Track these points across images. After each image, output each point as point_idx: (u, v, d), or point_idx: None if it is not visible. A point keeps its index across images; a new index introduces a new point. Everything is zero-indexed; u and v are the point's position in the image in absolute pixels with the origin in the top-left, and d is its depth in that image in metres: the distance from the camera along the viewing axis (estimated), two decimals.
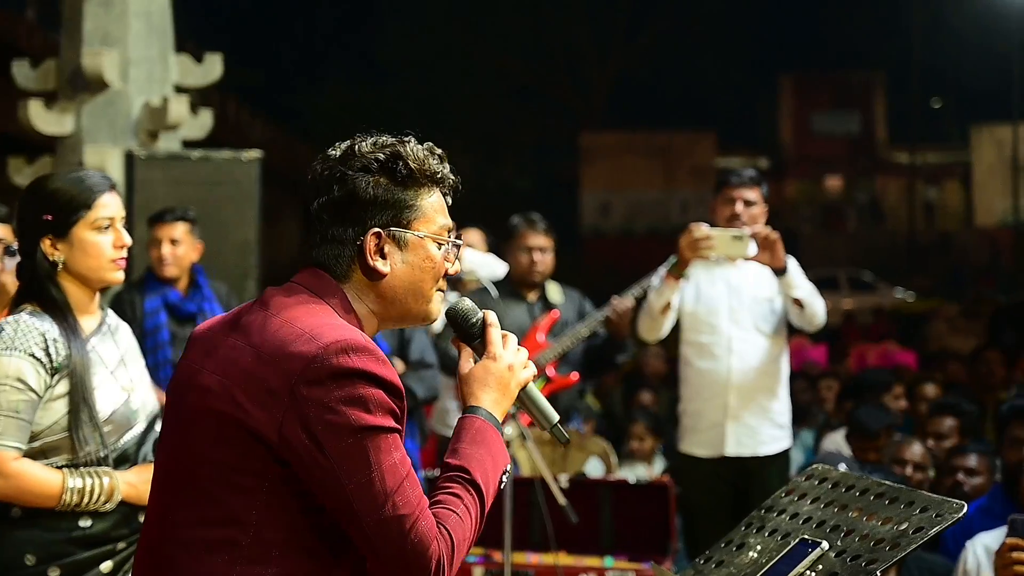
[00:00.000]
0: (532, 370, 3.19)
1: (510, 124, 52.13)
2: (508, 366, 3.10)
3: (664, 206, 51.61)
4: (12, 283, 5.57)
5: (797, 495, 3.91)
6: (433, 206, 3.06)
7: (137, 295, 7.18)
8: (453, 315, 3.16)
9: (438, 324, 7.66)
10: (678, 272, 6.95)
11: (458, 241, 3.11)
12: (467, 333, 3.17)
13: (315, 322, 2.91)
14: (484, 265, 8.07)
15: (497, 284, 7.77)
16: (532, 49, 52.49)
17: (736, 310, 7.08)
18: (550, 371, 7.65)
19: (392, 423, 2.87)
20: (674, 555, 6.94)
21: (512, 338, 3.15)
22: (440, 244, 3.05)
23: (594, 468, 7.58)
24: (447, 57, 51.48)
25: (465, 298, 3.22)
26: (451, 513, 2.93)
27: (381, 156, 3.02)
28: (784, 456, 7.22)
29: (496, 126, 51.75)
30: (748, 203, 7.07)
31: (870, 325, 26.76)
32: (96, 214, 4.43)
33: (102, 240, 4.42)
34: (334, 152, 3.08)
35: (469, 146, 50.73)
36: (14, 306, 4.45)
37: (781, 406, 7.17)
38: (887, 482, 3.97)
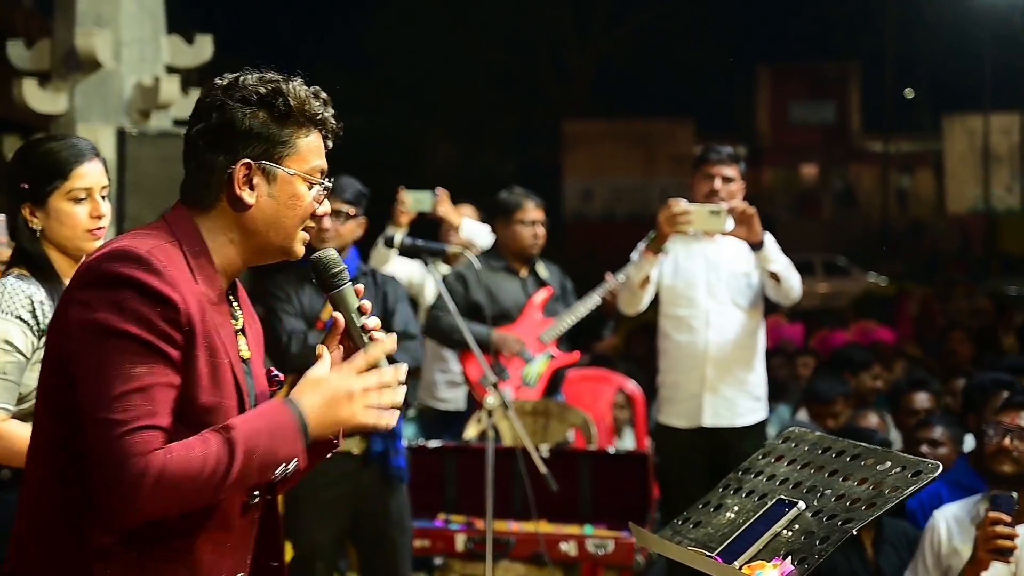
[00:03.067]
0: (385, 418, 2.94)
1: (493, 111, 52.08)
2: (349, 393, 2.85)
3: (644, 192, 51.59)
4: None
5: (774, 457, 3.90)
6: (309, 146, 3.02)
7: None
8: (316, 262, 3.10)
9: (430, 295, 7.67)
10: (656, 247, 6.95)
11: (328, 183, 3.07)
12: (327, 283, 3.11)
13: (120, 241, 2.91)
14: (480, 235, 8.07)
15: (489, 257, 7.76)
16: (514, 38, 52.44)
17: (714, 284, 7.10)
18: (553, 349, 7.69)
19: (144, 333, 2.74)
20: (652, 524, 6.94)
21: (384, 371, 2.92)
22: (311, 185, 3.02)
23: (572, 438, 7.58)
24: (431, 46, 51.40)
25: (331, 249, 3.15)
26: (184, 447, 2.70)
27: (263, 90, 2.98)
28: (760, 427, 7.24)
29: (479, 113, 51.72)
30: (727, 179, 7.08)
31: (845, 310, 26.86)
32: (72, 184, 4.46)
33: (77, 210, 4.46)
34: (220, 82, 3.04)
35: (452, 133, 50.91)
36: (6, 270, 4.47)
37: (757, 378, 7.18)
38: (863, 444, 3.98)
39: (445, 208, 8.14)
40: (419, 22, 51.67)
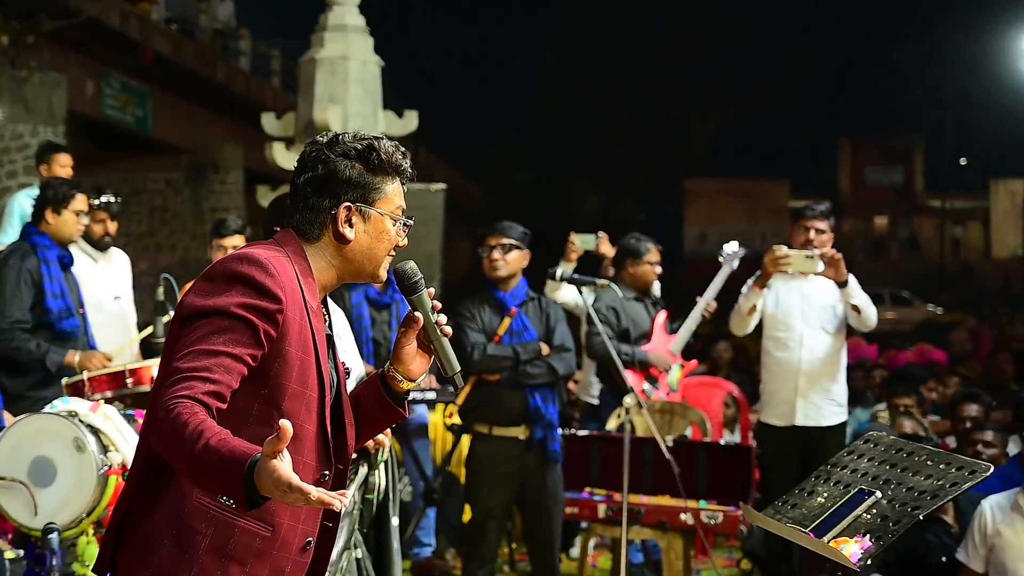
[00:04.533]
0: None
1: (630, 171, 52.16)
2: (282, 485, 2.35)
3: (748, 237, 50.97)
4: None
5: (857, 454, 3.86)
6: (394, 191, 2.96)
7: (345, 290, 7.23)
8: (397, 273, 3.02)
9: (567, 296, 7.69)
10: (762, 282, 6.90)
11: (409, 220, 2.99)
12: (407, 288, 3.03)
13: (245, 249, 2.89)
14: None
15: (623, 289, 7.79)
16: (648, 112, 52.40)
17: (807, 313, 7.02)
18: (679, 359, 7.71)
19: (249, 316, 2.70)
20: (753, 503, 6.87)
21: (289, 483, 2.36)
22: (395, 221, 2.96)
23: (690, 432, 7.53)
24: (581, 118, 51.50)
25: (409, 261, 3.06)
26: (191, 415, 2.54)
27: (359, 147, 2.92)
28: (841, 427, 7.14)
29: (618, 172, 51.80)
30: (819, 231, 7.02)
31: (909, 334, 26.39)
32: None
33: None
34: (322, 139, 2.99)
35: (597, 188, 50.94)
36: None
37: (840, 388, 7.09)
38: (928, 447, 3.92)
39: (605, 247, 8.18)
40: (572, 101, 51.81)
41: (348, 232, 2.91)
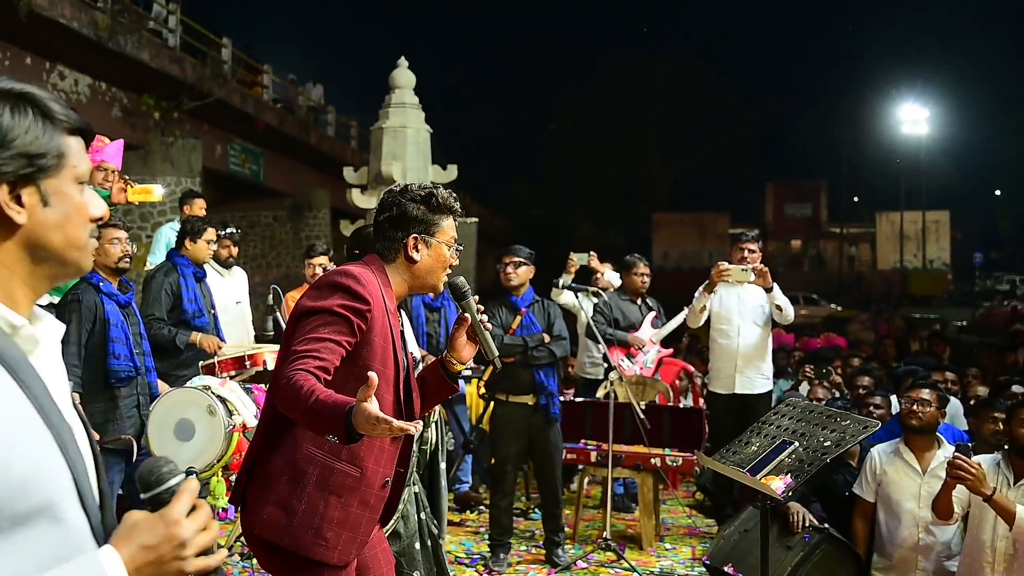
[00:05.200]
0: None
1: (613, 206, 52.39)
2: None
3: (698, 255, 51.15)
4: None
5: (780, 414, 3.83)
6: (449, 225, 2.98)
7: (408, 297, 7.19)
8: (451, 285, 3.03)
9: (583, 315, 7.65)
10: (710, 289, 6.86)
11: (460, 247, 3.01)
12: (459, 295, 3.03)
13: (344, 266, 2.92)
14: (614, 279, 8.13)
15: (620, 292, 7.82)
16: (625, 162, 52.75)
17: (742, 311, 6.97)
18: (658, 347, 7.71)
19: (346, 313, 2.74)
20: (704, 450, 6.83)
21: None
22: (449, 247, 2.97)
23: (659, 399, 7.50)
24: (577, 167, 51.94)
25: (460, 275, 3.08)
26: (308, 381, 2.57)
27: (423, 193, 2.95)
28: (768, 395, 7.08)
29: (605, 208, 51.91)
30: (751, 251, 6.97)
31: (817, 326, 26.26)
32: None
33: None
34: (395, 188, 3.02)
35: (589, 220, 50.92)
36: None
37: (767, 366, 7.04)
38: (832, 408, 3.89)
39: (595, 263, 8.17)
40: (570, 157, 52.20)
41: (415, 256, 2.93)
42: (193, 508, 1.42)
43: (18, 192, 1.43)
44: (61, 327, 1.57)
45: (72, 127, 1.49)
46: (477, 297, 3.06)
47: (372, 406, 2.38)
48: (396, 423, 2.38)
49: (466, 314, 3.03)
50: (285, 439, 2.82)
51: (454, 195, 3.03)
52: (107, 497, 1.52)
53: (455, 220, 3.02)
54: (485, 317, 3.05)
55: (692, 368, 9.46)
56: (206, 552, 1.42)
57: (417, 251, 2.93)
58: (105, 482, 1.52)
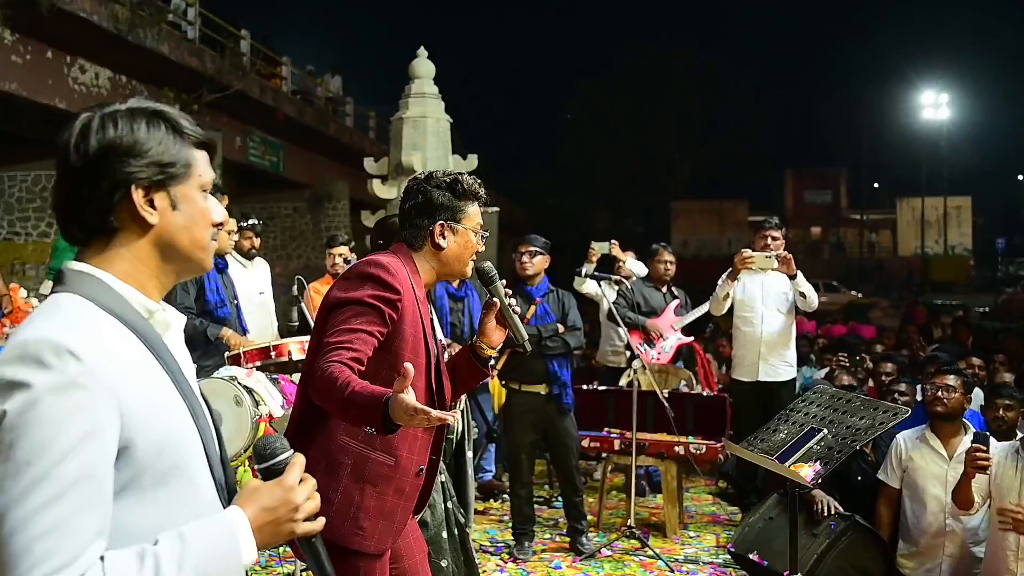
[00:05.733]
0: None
1: (632, 195, 52.17)
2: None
3: (718, 243, 50.97)
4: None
5: (808, 402, 3.82)
6: (475, 211, 2.98)
7: (432, 286, 7.18)
8: (479, 269, 3.03)
9: (605, 303, 7.64)
10: (733, 277, 6.83)
11: (485, 232, 3.00)
12: (487, 280, 3.04)
13: (373, 256, 2.91)
14: (637, 267, 8.11)
15: (645, 279, 7.83)
16: (645, 151, 52.50)
17: (765, 298, 6.94)
18: (679, 334, 7.68)
19: (377, 303, 2.74)
20: (728, 437, 6.83)
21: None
22: (475, 233, 2.97)
23: (683, 386, 7.49)
24: (595, 157, 51.60)
25: (487, 260, 3.07)
26: (343, 373, 2.58)
27: (448, 180, 2.96)
28: (792, 382, 7.05)
29: (623, 196, 51.72)
30: (774, 238, 6.94)
31: (838, 313, 26.17)
32: None
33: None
34: (420, 176, 3.02)
35: (608, 208, 50.70)
36: None
37: (791, 353, 7.01)
38: (860, 396, 3.87)
39: (616, 251, 8.16)
40: (588, 147, 51.94)
41: (442, 242, 2.93)
42: (301, 480, 1.62)
43: (151, 196, 1.62)
44: (182, 317, 1.76)
45: (198, 141, 1.69)
46: (504, 282, 3.06)
47: (409, 397, 2.37)
48: (434, 413, 2.37)
49: (494, 299, 3.02)
50: (319, 429, 2.83)
51: (479, 181, 3.03)
52: (227, 464, 1.73)
53: (480, 207, 3.02)
54: (513, 301, 3.05)
55: (722, 352, 9.42)
56: (311, 518, 1.62)
57: (444, 238, 2.93)
58: (224, 450, 1.74)
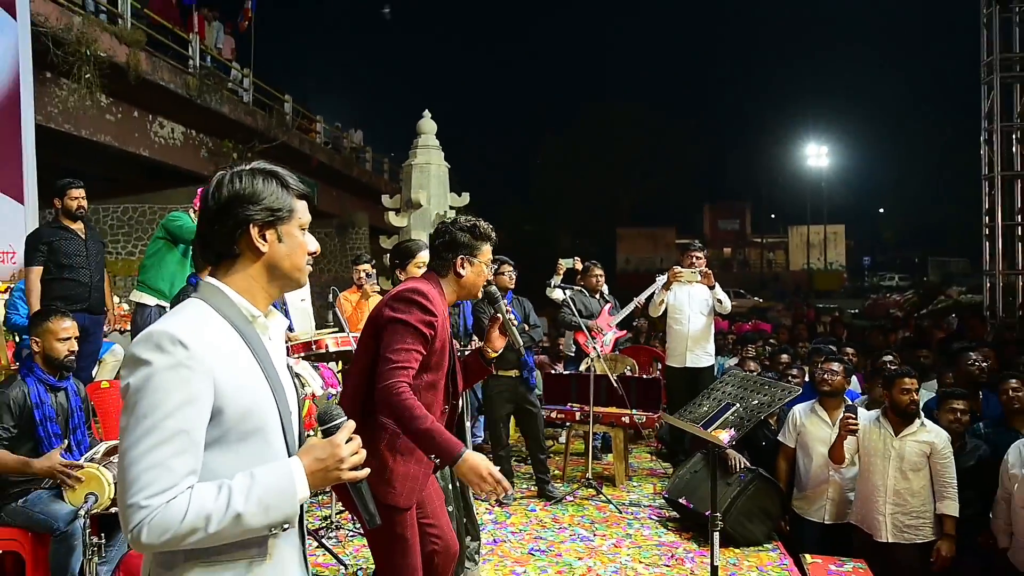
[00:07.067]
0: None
1: (587, 222, 52.01)
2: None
3: (652, 260, 51.07)
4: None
5: (724, 383, 3.85)
6: (487, 249, 2.97)
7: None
8: (487, 293, 3.04)
9: (559, 295, 7.60)
10: (667, 287, 6.89)
11: (495, 266, 3.02)
12: (492, 299, 3.06)
13: (414, 283, 2.88)
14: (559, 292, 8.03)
15: (581, 290, 7.75)
16: (597, 189, 52.39)
17: (691, 303, 6.98)
18: (615, 330, 7.63)
19: (422, 327, 2.72)
20: (663, 410, 6.86)
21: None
22: (487, 266, 2.98)
23: (628, 371, 7.51)
24: (558, 191, 51.50)
25: (492, 285, 3.07)
26: (407, 396, 2.61)
27: (468, 224, 2.96)
28: (711, 368, 7.09)
29: (581, 223, 51.61)
30: (698, 258, 6.99)
31: (745, 314, 26.24)
32: (419, 259, 4.00)
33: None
34: (447, 220, 3.02)
35: (569, 234, 50.54)
36: None
37: (711, 345, 7.04)
38: (763, 377, 3.92)
39: (579, 266, 8.11)
40: (554, 185, 51.78)
41: (462, 272, 2.94)
42: (349, 439, 1.69)
43: (264, 232, 1.71)
44: (285, 321, 1.84)
45: (300, 194, 1.77)
46: (506, 300, 3.10)
47: (484, 463, 2.45)
48: (505, 482, 2.50)
49: (498, 315, 3.06)
50: (365, 411, 2.83)
51: (491, 226, 3.04)
52: (299, 430, 1.78)
53: (491, 246, 3.03)
54: (512, 316, 3.08)
55: (663, 353, 9.42)
56: (356, 469, 1.68)
57: (463, 268, 2.94)
58: (303, 428, 1.81)
